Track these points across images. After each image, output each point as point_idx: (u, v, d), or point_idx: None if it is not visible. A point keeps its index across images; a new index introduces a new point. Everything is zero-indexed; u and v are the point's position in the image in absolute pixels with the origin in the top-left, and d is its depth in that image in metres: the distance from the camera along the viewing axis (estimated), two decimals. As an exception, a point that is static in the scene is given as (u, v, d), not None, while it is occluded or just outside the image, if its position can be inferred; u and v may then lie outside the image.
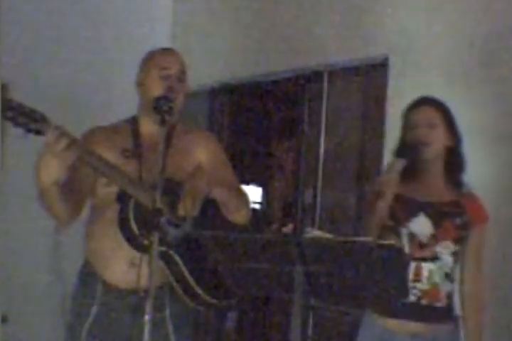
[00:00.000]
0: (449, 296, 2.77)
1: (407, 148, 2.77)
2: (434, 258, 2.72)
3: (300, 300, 2.21)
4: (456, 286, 2.80)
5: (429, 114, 2.81)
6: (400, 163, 2.72)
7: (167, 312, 2.70)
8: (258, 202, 7.35)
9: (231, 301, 2.73)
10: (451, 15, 3.90)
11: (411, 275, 2.69)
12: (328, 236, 2.21)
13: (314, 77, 4.82)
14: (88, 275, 2.72)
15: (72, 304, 2.75)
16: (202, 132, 2.97)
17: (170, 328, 2.69)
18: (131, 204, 2.54)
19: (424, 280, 2.71)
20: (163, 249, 2.56)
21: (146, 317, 2.25)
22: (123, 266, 2.64)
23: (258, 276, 2.28)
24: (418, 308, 2.70)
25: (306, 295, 2.24)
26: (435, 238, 2.73)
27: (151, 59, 2.80)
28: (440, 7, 3.96)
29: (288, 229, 6.25)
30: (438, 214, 2.75)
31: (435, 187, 2.82)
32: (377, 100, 4.40)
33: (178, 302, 2.69)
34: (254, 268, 2.25)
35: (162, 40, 5.15)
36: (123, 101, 3.44)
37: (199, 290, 2.63)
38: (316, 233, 2.24)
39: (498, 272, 3.48)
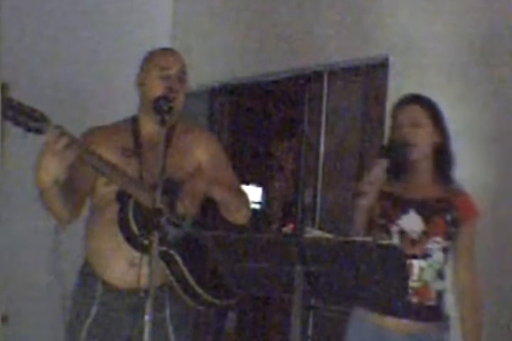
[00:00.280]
0: (440, 295, 2.76)
1: (393, 149, 2.78)
2: (425, 255, 2.72)
3: (300, 300, 2.21)
4: (447, 284, 2.80)
5: (413, 113, 2.81)
6: (383, 165, 2.73)
7: (167, 312, 2.69)
8: (258, 202, 7.34)
9: (231, 301, 2.73)
10: (451, 15, 3.90)
11: None
12: (328, 236, 2.21)
13: (314, 77, 4.82)
14: (88, 275, 2.72)
15: (72, 304, 2.75)
16: (202, 132, 2.97)
17: (170, 328, 2.69)
18: (131, 204, 2.54)
19: (415, 277, 2.71)
20: (164, 248, 2.56)
21: (146, 318, 2.25)
22: (123, 266, 2.64)
23: (258, 276, 2.28)
24: (408, 306, 2.69)
25: (306, 295, 2.24)
26: (426, 234, 2.73)
27: (151, 59, 2.80)
28: (440, 7, 3.96)
29: (288, 229, 6.25)
30: (428, 211, 2.75)
31: (424, 184, 2.83)
32: (377, 100, 4.40)
33: (178, 303, 2.69)
34: (254, 268, 2.26)
35: (162, 40, 5.15)
36: (123, 101, 3.44)
37: (199, 290, 2.63)
38: (316, 233, 2.24)
39: (497, 272, 3.48)
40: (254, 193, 7.16)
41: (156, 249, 2.30)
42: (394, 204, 2.77)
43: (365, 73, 4.54)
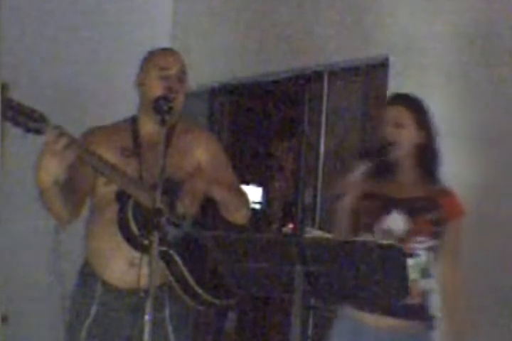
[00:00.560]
0: (424, 294, 2.76)
1: (375, 148, 2.79)
2: (410, 254, 2.71)
3: (300, 300, 2.21)
4: (433, 284, 2.79)
5: (397, 113, 2.83)
6: (364, 165, 2.74)
7: (167, 312, 2.69)
8: (258, 202, 7.34)
9: (231, 301, 2.73)
10: (451, 15, 3.90)
11: None
12: (328, 236, 2.21)
13: (314, 77, 4.82)
14: (88, 275, 2.72)
15: (72, 304, 2.75)
16: (202, 132, 2.97)
17: (169, 328, 2.69)
18: (130, 204, 2.54)
19: None
20: (163, 248, 2.56)
21: (146, 317, 2.25)
22: (123, 266, 2.64)
23: (258, 276, 2.28)
24: (391, 304, 2.68)
25: (306, 295, 2.24)
26: (410, 233, 2.73)
27: (151, 59, 2.80)
28: (440, 7, 3.96)
29: (288, 229, 6.25)
30: (412, 210, 2.76)
31: (409, 184, 2.83)
32: (377, 100, 4.40)
33: (177, 303, 2.69)
34: (254, 268, 2.26)
35: (162, 40, 5.14)
36: (123, 101, 3.44)
37: (199, 290, 2.63)
38: (316, 233, 2.25)
39: (497, 272, 3.48)
40: (254, 193, 7.16)
41: (155, 249, 2.30)
42: (378, 204, 2.78)
43: (365, 73, 4.54)
